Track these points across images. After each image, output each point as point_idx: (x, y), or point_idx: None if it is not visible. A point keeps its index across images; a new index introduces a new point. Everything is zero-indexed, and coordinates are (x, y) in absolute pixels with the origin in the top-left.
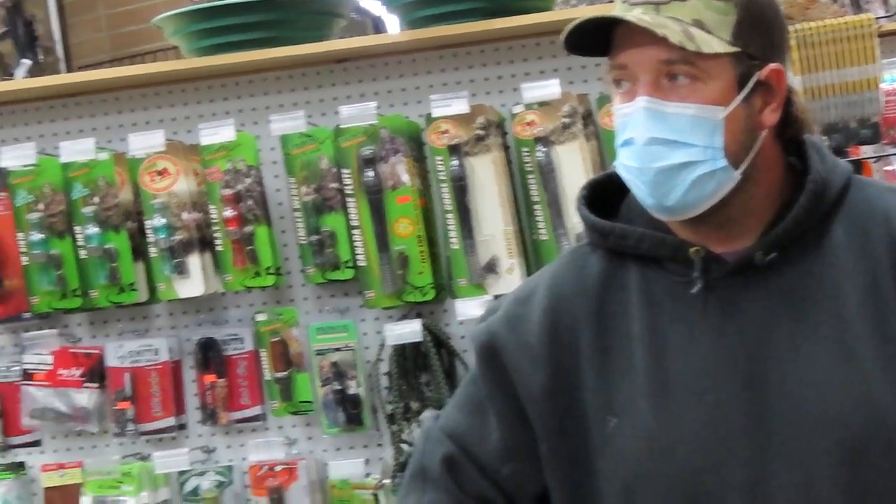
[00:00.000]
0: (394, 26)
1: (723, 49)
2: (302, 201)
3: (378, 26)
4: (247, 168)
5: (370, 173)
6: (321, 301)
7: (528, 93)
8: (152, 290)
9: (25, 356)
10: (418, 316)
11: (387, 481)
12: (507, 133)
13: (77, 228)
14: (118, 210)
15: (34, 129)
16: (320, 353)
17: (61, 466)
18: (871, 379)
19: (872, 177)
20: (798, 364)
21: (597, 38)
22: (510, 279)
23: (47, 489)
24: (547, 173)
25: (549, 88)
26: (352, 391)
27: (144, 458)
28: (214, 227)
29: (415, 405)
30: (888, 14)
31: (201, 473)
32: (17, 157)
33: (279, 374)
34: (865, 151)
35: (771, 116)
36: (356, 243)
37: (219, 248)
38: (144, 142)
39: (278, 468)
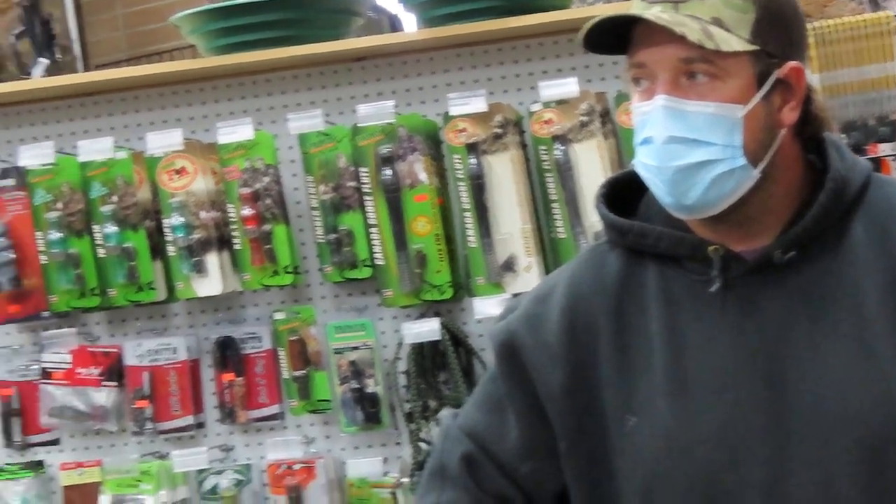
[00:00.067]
0: (410, 24)
1: (742, 47)
2: (320, 200)
3: (395, 24)
4: (265, 167)
5: (388, 172)
6: (339, 300)
7: (545, 91)
8: (170, 288)
9: (44, 355)
10: (436, 314)
11: (405, 480)
12: (525, 131)
13: (95, 227)
14: (136, 209)
15: (52, 128)
16: (338, 351)
17: (80, 465)
18: (890, 377)
19: (891, 174)
20: (817, 362)
21: (615, 36)
22: (528, 277)
23: (66, 488)
24: (565, 171)
25: (567, 87)
26: (370, 390)
27: (163, 456)
28: (232, 226)
29: (433, 404)
30: None
31: (220, 472)
32: (35, 156)
33: (297, 373)
34: (884, 149)
35: (790, 115)
36: (374, 242)
37: (237, 247)
38: (162, 140)
39: (297, 467)
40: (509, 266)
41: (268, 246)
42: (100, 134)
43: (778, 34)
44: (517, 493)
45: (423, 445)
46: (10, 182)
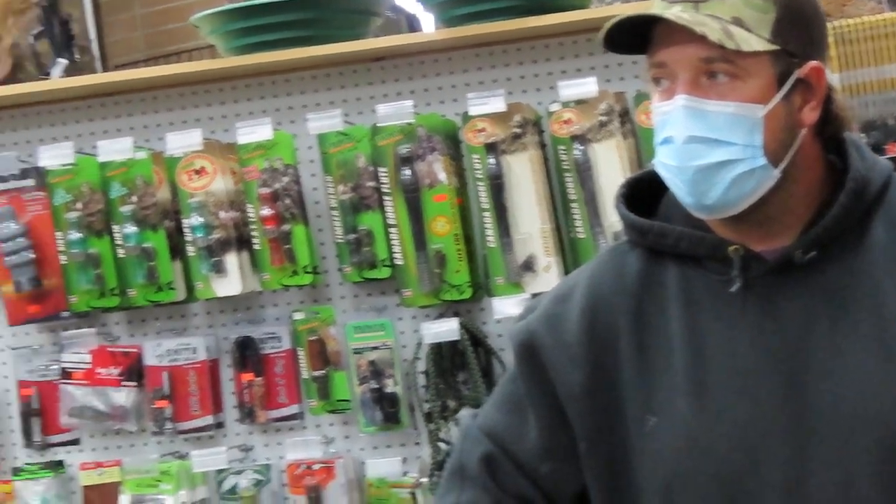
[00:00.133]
0: (428, 24)
1: (762, 47)
2: (339, 200)
3: (412, 24)
4: (284, 167)
5: (407, 172)
6: (358, 300)
7: (564, 91)
8: (190, 288)
9: (64, 355)
10: (455, 314)
11: (424, 480)
12: (544, 131)
13: (115, 227)
14: (156, 209)
15: (72, 128)
16: (357, 351)
17: (100, 465)
18: None
19: None
20: (837, 362)
21: (635, 35)
22: (547, 277)
23: (86, 487)
24: (584, 171)
25: (586, 86)
26: (389, 390)
27: (182, 456)
28: (252, 226)
29: (452, 404)
30: None
31: (239, 472)
32: (55, 156)
33: (316, 373)
34: None
35: (810, 114)
36: (393, 242)
37: (256, 247)
38: (182, 141)
39: (316, 467)
40: (528, 266)
41: (287, 246)
42: (119, 134)
43: (798, 34)
44: (537, 494)
45: (442, 445)
46: (29, 182)
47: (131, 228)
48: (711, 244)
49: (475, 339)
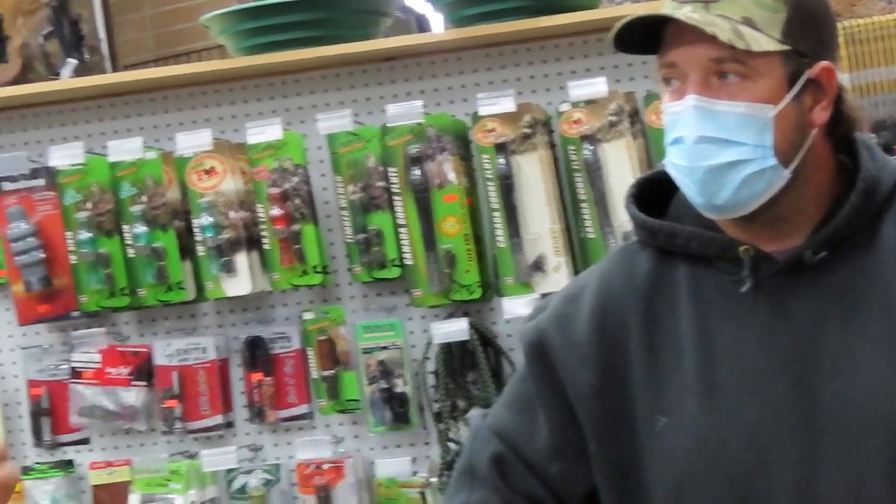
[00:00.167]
0: (437, 25)
1: (772, 47)
2: (349, 200)
3: (422, 25)
4: (294, 167)
5: (417, 172)
6: (368, 299)
7: (574, 91)
8: (200, 288)
9: (74, 354)
10: (465, 314)
11: (434, 480)
12: (554, 131)
13: (125, 227)
14: (166, 209)
15: (82, 128)
16: (367, 351)
17: (109, 464)
18: None
19: None
20: (848, 363)
21: (646, 35)
22: (557, 277)
23: (96, 487)
24: (594, 171)
25: (596, 86)
26: (398, 389)
27: (192, 456)
28: (261, 226)
29: (461, 404)
30: None
31: (249, 471)
32: (65, 156)
33: (326, 373)
34: None
35: (821, 115)
36: (403, 242)
37: (266, 247)
38: (192, 141)
39: (325, 466)
40: (538, 266)
41: (297, 246)
42: (129, 134)
43: (809, 34)
44: (546, 494)
45: (451, 445)
46: (40, 182)
47: (141, 228)
48: (722, 244)
49: (485, 339)
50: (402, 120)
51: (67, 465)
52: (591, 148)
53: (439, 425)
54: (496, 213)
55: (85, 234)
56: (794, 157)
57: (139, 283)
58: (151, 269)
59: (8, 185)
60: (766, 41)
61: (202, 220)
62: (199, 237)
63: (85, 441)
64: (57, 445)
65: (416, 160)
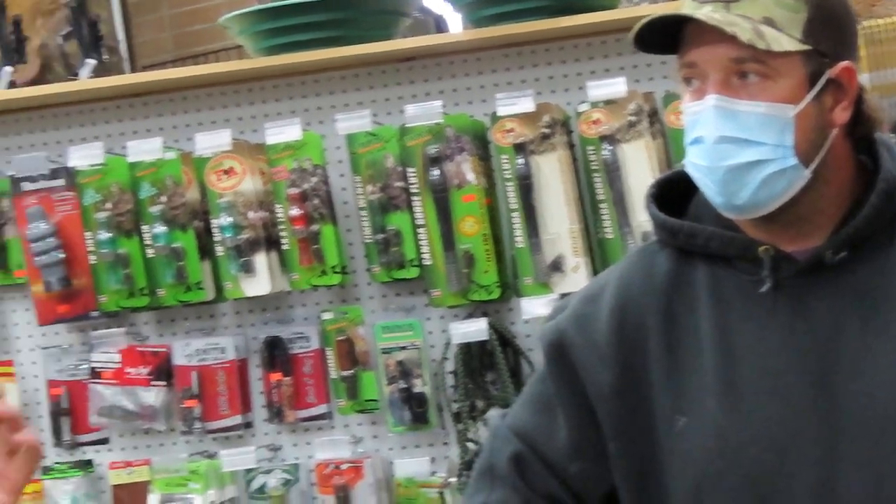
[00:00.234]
0: (456, 25)
1: (793, 47)
2: (368, 200)
3: (440, 25)
4: (313, 167)
5: (436, 172)
6: (387, 300)
7: (593, 91)
8: (219, 288)
9: (93, 355)
10: (484, 315)
11: (453, 480)
12: (573, 131)
13: (144, 227)
14: (185, 209)
15: (101, 128)
16: (386, 351)
17: (129, 464)
18: None
19: None
20: (868, 363)
21: (666, 35)
22: (576, 278)
23: (115, 487)
24: (612, 172)
25: (615, 87)
26: (417, 390)
27: (211, 456)
28: (281, 226)
29: (480, 404)
30: None
31: (268, 471)
32: (84, 156)
33: (345, 373)
34: None
35: (842, 115)
36: (422, 242)
37: (285, 247)
38: (211, 141)
39: (344, 466)
40: (557, 266)
41: (316, 246)
42: (149, 134)
43: (830, 34)
44: (566, 493)
45: (470, 445)
46: (59, 182)
47: (160, 228)
48: (742, 244)
49: (503, 339)
50: (421, 120)
51: (87, 464)
52: (610, 148)
53: (458, 425)
54: (515, 214)
55: (104, 235)
56: (814, 157)
57: (158, 284)
58: (171, 270)
59: (28, 186)
60: (786, 41)
61: (221, 221)
62: (218, 237)
63: (104, 441)
64: (76, 445)
65: (435, 160)
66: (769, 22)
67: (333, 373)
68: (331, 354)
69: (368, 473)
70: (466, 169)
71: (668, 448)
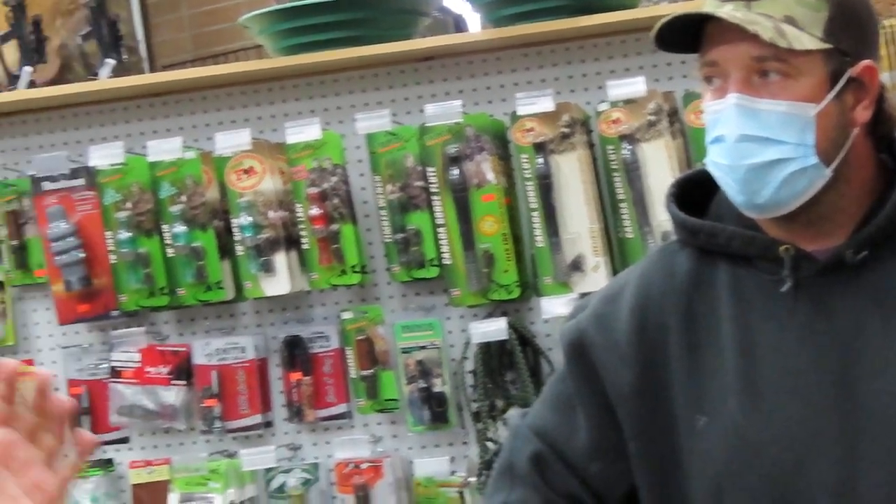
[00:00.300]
0: (475, 24)
1: (814, 46)
2: (387, 199)
3: (459, 24)
4: (332, 166)
5: (455, 171)
6: (406, 299)
7: (613, 90)
8: (239, 288)
9: (114, 354)
10: (503, 314)
11: (472, 479)
12: (593, 131)
13: (164, 227)
14: (205, 208)
15: (121, 128)
16: (406, 351)
17: (149, 463)
18: None
19: None
20: (889, 362)
21: (687, 34)
22: (595, 277)
23: (135, 486)
24: (632, 171)
25: (635, 86)
26: (437, 389)
27: (231, 455)
28: (300, 226)
29: (500, 403)
30: None
31: (288, 471)
32: (105, 156)
33: (365, 372)
34: None
35: (863, 114)
36: (441, 241)
37: (305, 247)
38: (231, 141)
39: (364, 466)
40: (577, 266)
41: (335, 245)
42: (169, 134)
43: (851, 32)
44: (586, 493)
45: (490, 445)
46: (80, 182)
47: (180, 228)
48: (762, 244)
49: (523, 338)
50: (440, 120)
51: (107, 464)
52: (630, 147)
53: (478, 425)
54: (535, 213)
55: (124, 234)
56: (835, 156)
57: (178, 283)
58: (191, 269)
59: (48, 185)
60: (808, 40)
61: (241, 220)
62: (238, 237)
63: (125, 440)
64: (97, 444)
65: (455, 160)
66: (790, 20)
67: (353, 372)
68: (350, 354)
69: (388, 473)
70: (486, 168)
71: (689, 448)
